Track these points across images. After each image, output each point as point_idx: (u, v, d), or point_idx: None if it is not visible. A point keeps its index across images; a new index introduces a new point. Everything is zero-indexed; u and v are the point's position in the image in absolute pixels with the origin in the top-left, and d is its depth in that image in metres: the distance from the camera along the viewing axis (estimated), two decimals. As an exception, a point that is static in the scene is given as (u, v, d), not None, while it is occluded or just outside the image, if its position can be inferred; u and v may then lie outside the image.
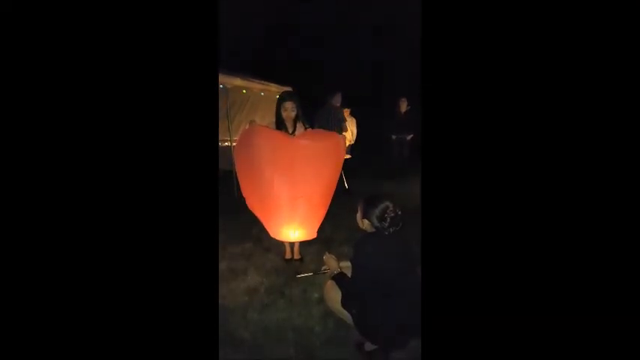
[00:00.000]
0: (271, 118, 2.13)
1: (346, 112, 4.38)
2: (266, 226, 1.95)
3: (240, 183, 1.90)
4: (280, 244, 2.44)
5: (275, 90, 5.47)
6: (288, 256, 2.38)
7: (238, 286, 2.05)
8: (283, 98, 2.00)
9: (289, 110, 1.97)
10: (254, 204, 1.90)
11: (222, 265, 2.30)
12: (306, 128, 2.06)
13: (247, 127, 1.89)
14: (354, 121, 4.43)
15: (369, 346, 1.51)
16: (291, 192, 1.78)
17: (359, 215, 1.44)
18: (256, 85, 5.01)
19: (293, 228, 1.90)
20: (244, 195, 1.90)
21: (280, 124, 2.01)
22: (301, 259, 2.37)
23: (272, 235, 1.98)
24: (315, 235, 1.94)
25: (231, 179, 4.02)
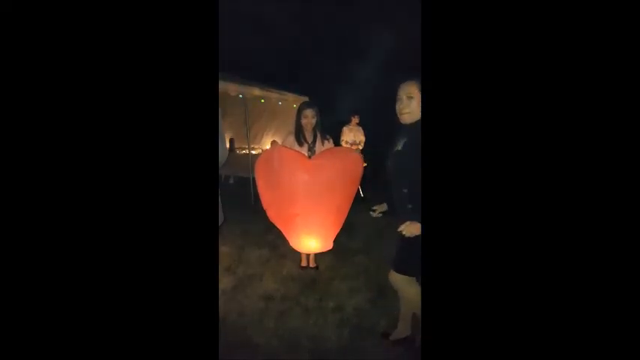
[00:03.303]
0: (289, 127, 2.18)
1: (354, 119, 4.40)
2: (286, 237, 2.03)
3: (261, 198, 1.98)
4: (296, 252, 2.46)
5: (292, 99, 5.58)
6: (303, 264, 2.40)
7: (254, 292, 2.07)
8: (303, 107, 2.06)
9: (309, 117, 2.03)
10: (275, 218, 1.99)
11: (239, 271, 2.34)
12: (324, 139, 2.09)
13: (270, 147, 1.96)
14: (361, 129, 4.44)
15: (394, 335, 1.64)
16: (308, 209, 1.86)
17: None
18: (274, 95, 5.13)
19: (311, 240, 1.98)
20: (265, 208, 1.98)
21: (299, 133, 2.06)
22: (316, 267, 2.38)
23: (292, 245, 2.05)
24: (331, 246, 1.99)
25: (248, 187, 4.10)
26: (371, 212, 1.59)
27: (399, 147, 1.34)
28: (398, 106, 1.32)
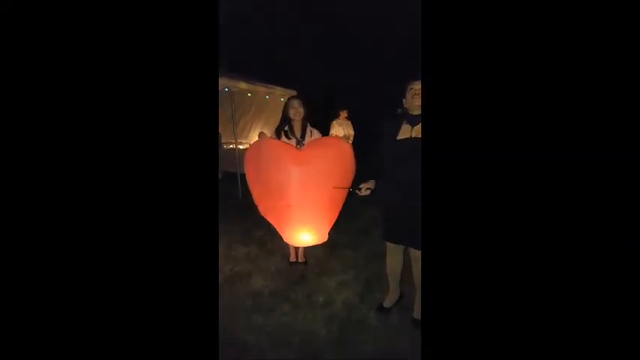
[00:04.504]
0: (276, 122, 2.13)
1: (343, 114, 4.38)
2: (279, 231, 1.98)
3: (252, 192, 1.93)
4: (284, 248, 2.44)
5: (280, 93, 5.50)
6: (292, 259, 2.38)
7: (242, 289, 2.04)
8: (290, 104, 2.01)
9: (297, 107, 1.97)
10: (266, 211, 1.94)
11: (227, 268, 2.30)
12: (312, 132, 2.05)
13: (257, 139, 1.91)
14: (350, 124, 4.43)
15: (388, 302, 1.82)
16: (300, 200, 1.81)
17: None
18: (261, 89, 5.04)
19: (304, 233, 1.94)
20: (256, 203, 1.93)
21: (286, 125, 2.00)
22: (305, 262, 2.36)
23: (285, 239, 2.00)
24: (326, 239, 1.95)
25: (236, 182, 4.04)
26: (356, 191, 1.64)
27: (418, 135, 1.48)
28: (409, 98, 1.52)
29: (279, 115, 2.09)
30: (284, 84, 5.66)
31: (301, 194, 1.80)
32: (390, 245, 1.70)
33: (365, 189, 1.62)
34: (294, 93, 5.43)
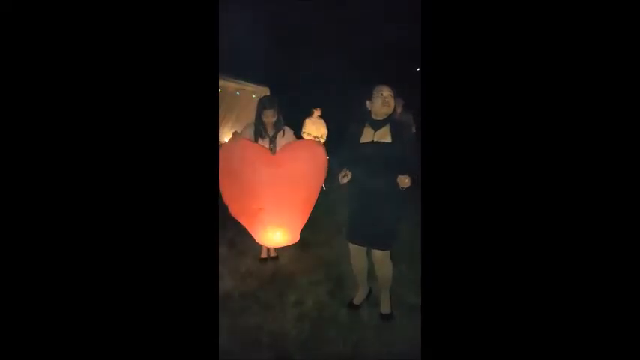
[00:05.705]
0: (247, 119, 2.09)
1: (316, 112, 4.38)
2: (250, 232, 1.98)
3: (222, 193, 1.88)
4: (255, 248, 2.40)
5: (251, 89, 5.36)
6: (263, 255, 2.35)
7: (211, 291, 1.98)
8: (264, 105, 1.98)
9: (270, 117, 1.98)
10: (237, 213, 1.92)
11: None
12: (285, 131, 2.04)
13: (230, 139, 1.89)
14: (323, 122, 4.44)
15: (357, 299, 1.82)
16: (273, 203, 1.82)
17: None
18: (232, 85, 4.89)
19: (276, 234, 1.95)
20: (227, 204, 1.89)
21: (260, 128, 1.99)
22: (277, 257, 2.34)
23: (257, 240, 2.00)
24: (297, 239, 1.98)
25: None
26: (341, 179, 1.55)
27: (388, 139, 1.48)
28: (378, 104, 1.49)
29: (251, 113, 2.06)
30: (258, 80, 5.52)
31: (274, 197, 1.82)
32: (352, 246, 1.71)
33: (343, 176, 1.54)
34: (266, 89, 5.33)
